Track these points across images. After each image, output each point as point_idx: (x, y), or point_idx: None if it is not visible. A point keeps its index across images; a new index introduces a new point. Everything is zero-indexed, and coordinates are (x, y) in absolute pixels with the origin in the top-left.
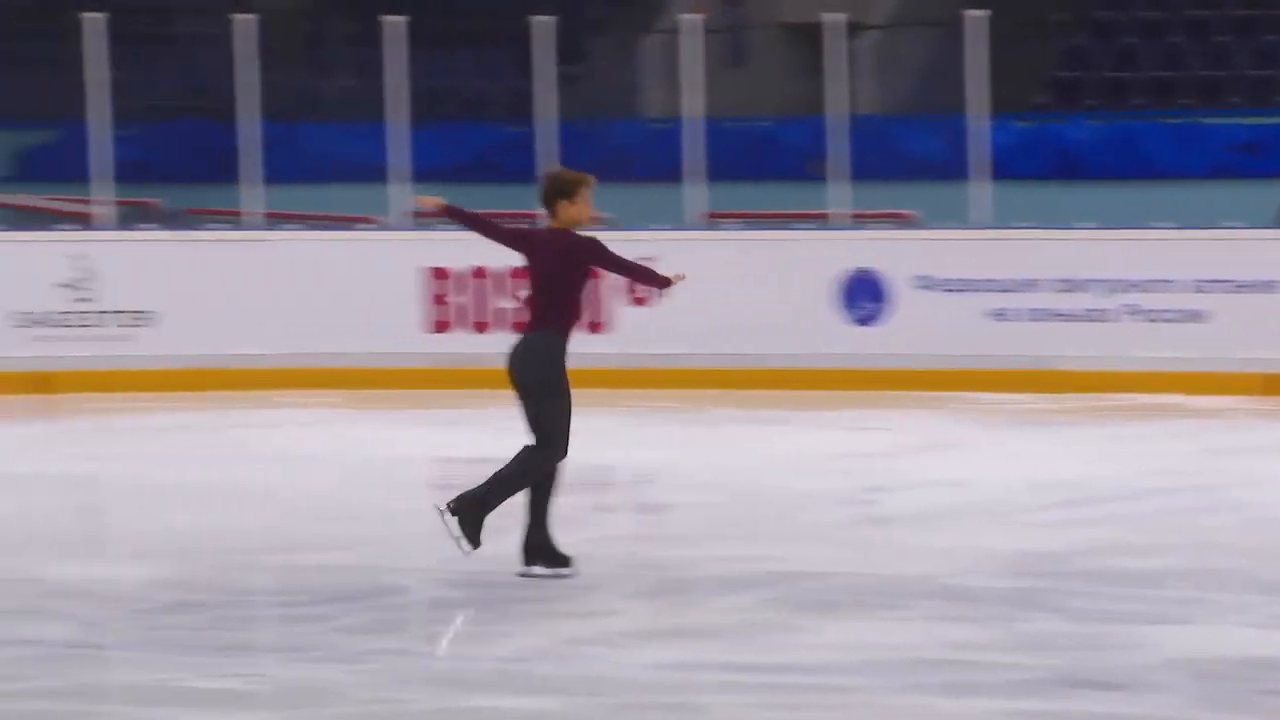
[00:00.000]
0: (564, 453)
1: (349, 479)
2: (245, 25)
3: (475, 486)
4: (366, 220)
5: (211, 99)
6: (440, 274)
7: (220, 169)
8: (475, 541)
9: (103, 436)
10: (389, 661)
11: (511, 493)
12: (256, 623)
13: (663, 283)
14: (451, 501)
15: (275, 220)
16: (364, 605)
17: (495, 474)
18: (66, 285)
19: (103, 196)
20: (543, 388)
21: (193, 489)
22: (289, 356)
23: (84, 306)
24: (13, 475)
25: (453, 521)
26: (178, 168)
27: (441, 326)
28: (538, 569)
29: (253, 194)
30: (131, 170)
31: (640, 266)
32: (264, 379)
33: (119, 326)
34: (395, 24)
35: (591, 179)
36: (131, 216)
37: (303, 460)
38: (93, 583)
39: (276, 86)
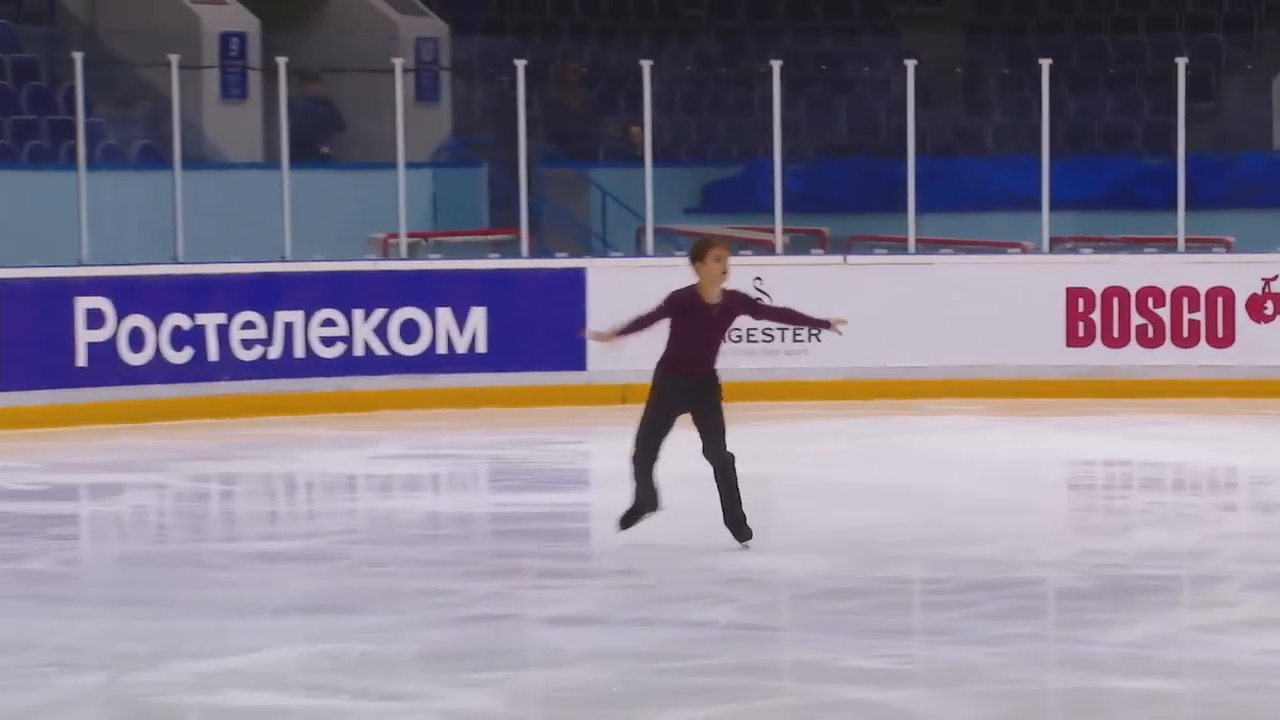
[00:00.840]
0: (635, 448)
1: (994, 478)
2: (909, 70)
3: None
4: (1015, 245)
5: (877, 137)
6: (1081, 293)
7: (883, 200)
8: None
9: (774, 441)
10: (1026, 645)
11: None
12: (907, 609)
13: (815, 323)
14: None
15: (932, 246)
16: (1004, 593)
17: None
18: None
19: (777, 226)
20: None
21: (854, 488)
22: (942, 369)
23: (759, 324)
24: (689, 474)
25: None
26: (844, 199)
27: (1081, 341)
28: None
29: (913, 223)
30: (802, 201)
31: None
32: (919, 389)
33: (791, 342)
34: (1045, 66)
35: (718, 245)
36: (803, 243)
37: (952, 462)
38: (758, 571)
39: (936, 124)
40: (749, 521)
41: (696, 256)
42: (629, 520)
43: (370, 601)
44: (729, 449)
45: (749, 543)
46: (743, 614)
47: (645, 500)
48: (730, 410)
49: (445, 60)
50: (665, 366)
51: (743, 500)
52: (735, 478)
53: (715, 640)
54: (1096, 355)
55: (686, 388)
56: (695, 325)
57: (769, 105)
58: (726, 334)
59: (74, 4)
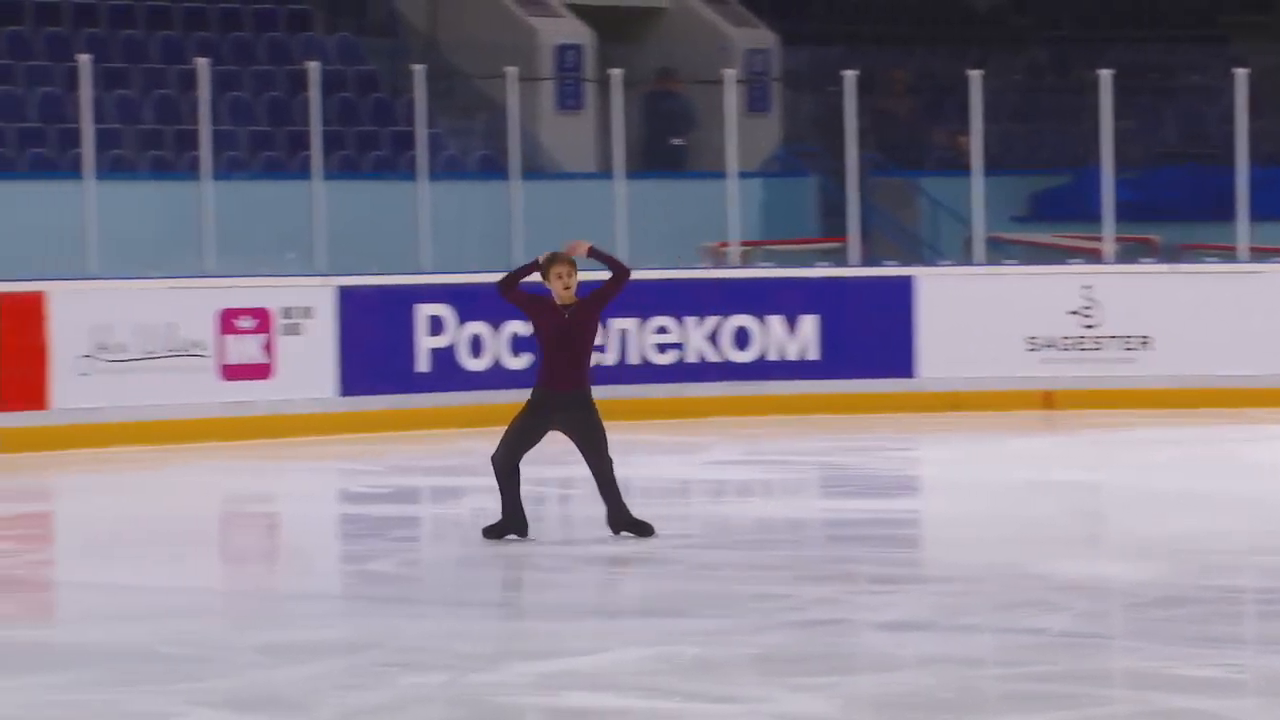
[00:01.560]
0: (497, 451)
1: None
2: (1240, 79)
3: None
4: None
5: (1207, 145)
6: None
7: (1213, 208)
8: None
9: (1103, 449)
10: None
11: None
12: (1240, 618)
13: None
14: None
15: (1264, 254)
16: None
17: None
18: (1074, 313)
19: (1107, 234)
20: None
21: (1186, 496)
22: (1273, 377)
23: (1089, 332)
24: (1020, 481)
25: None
26: (1174, 207)
27: None
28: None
29: (1244, 230)
30: (1132, 210)
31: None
32: (1250, 398)
33: (1120, 350)
34: None
35: (561, 263)
36: (1132, 251)
37: None
38: (1091, 579)
39: (1266, 132)
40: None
41: (542, 272)
42: (493, 533)
43: (704, 605)
44: (608, 456)
45: (652, 535)
46: (1075, 621)
47: (512, 523)
48: (1052, 419)
49: (775, 71)
50: (538, 380)
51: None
52: (614, 483)
53: (1047, 647)
54: None
55: (559, 404)
56: (551, 329)
57: (1097, 114)
58: (589, 339)
59: (415, 18)
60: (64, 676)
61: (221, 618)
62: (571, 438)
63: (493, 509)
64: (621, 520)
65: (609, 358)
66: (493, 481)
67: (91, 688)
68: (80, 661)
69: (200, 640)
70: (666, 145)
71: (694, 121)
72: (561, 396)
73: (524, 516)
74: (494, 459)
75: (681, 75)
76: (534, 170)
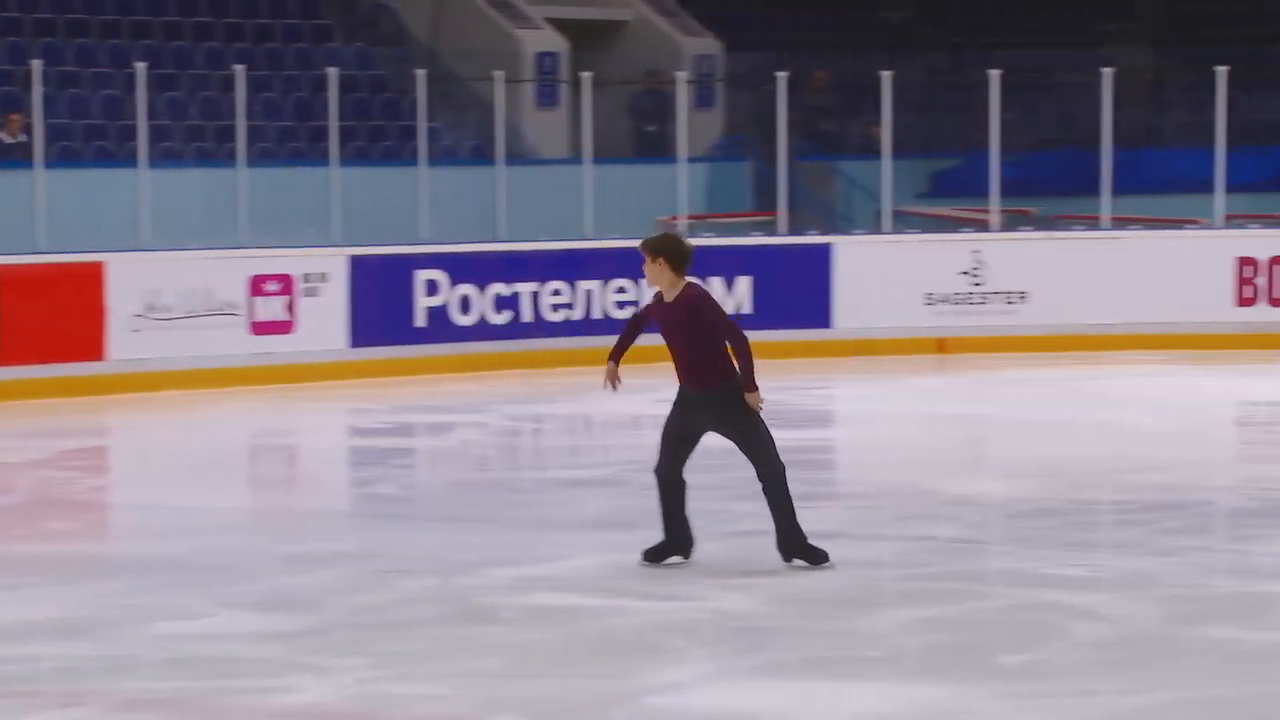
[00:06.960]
0: (660, 467)
1: (1172, 417)
2: (1106, 76)
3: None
4: (1192, 222)
5: (1078, 132)
6: (1247, 261)
7: (1083, 185)
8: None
9: (986, 387)
10: (1199, 556)
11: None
12: (1097, 526)
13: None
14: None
15: (1123, 223)
16: (1180, 513)
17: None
18: (964, 273)
19: (993, 207)
20: None
21: (1054, 425)
22: (1129, 325)
23: (976, 289)
24: (915, 414)
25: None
26: (1050, 184)
27: (1247, 302)
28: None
29: (1106, 203)
30: (1015, 187)
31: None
32: (1109, 343)
33: (1003, 304)
34: (1221, 72)
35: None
36: (1014, 221)
37: (1136, 403)
38: (975, 495)
39: (1128, 121)
40: (811, 540)
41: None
42: (655, 556)
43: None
44: (777, 462)
45: (827, 564)
46: (961, 530)
47: (675, 541)
48: (943, 362)
49: (720, 73)
50: (677, 375)
51: (797, 516)
52: (786, 495)
53: (937, 552)
54: (1261, 314)
55: (699, 401)
56: (663, 326)
57: (988, 107)
58: (699, 330)
59: (418, 30)
60: (118, 583)
61: (248, 533)
62: (731, 440)
63: (477, 441)
64: (786, 541)
65: (577, 313)
66: (478, 418)
67: (139, 593)
68: (132, 570)
69: (230, 551)
70: (647, 132)
71: (669, 112)
72: (699, 394)
73: (689, 534)
74: (656, 470)
75: (619, 86)
76: (516, 157)
